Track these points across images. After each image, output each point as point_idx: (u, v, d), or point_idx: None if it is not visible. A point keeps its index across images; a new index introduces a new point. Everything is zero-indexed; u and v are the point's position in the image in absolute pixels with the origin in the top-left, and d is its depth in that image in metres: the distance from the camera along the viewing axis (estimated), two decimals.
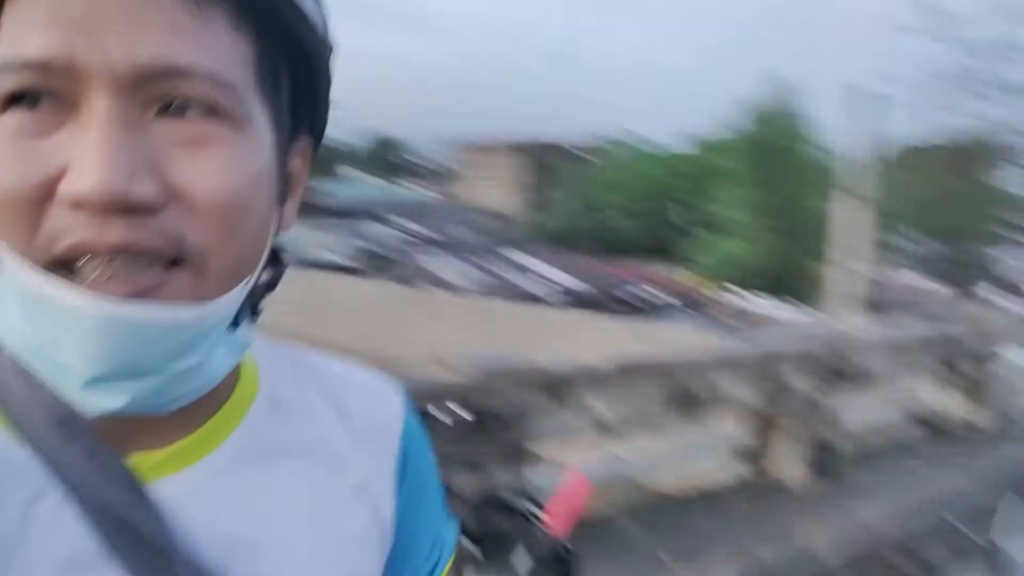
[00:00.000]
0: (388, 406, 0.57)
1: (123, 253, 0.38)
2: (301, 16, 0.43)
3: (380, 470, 0.53)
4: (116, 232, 0.37)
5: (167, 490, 0.44)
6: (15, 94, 0.39)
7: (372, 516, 0.51)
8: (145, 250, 0.38)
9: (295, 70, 0.46)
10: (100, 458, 0.43)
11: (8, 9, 0.39)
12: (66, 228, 0.38)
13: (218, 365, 0.43)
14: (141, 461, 0.44)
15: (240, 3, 0.41)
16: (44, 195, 0.38)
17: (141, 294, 0.38)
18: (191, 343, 0.40)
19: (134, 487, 0.43)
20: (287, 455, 0.49)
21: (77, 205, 0.37)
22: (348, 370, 0.58)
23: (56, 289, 0.37)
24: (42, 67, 0.38)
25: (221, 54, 0.40)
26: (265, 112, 0.43)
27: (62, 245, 0.38)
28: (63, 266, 0.38)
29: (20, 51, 0.38)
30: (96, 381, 0.38)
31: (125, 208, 0.37)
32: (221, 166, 0.40)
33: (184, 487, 0.44)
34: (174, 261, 0.39)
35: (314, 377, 0.55)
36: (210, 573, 0.43)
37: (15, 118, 0.39)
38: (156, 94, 0.39)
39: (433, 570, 0.57)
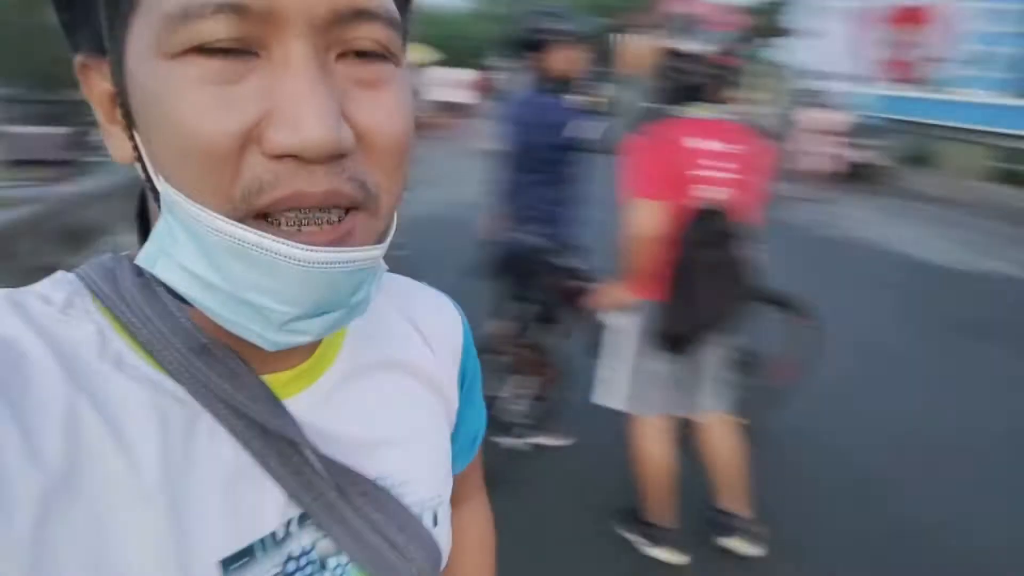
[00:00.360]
0: (450, 319, 0.63)
1: (327, 202, 0.39)
2: None
3: (449, 373, 0.61)
4: (323, 180, 0.39)
5: (297, 406, 0.48)
6: (208, 45, 0.37)
7: (445, 410, 0.60)
8: (344, 196, 0.40)
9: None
10: (241, 380, 0.45)
11: None
12: (274, 178, 0.38)
13: (373, 293, 0.45)
14: (271, 382, 0.47)
15: None
16: (243, 144, 0.38)
17: (339, 241, 0.41)
18: (365, 278, 0.43)
19: (275, 404, 0.46)
20: (383, 368, 0.55)
21: (288, 155, 0.38)
22: (412, 286, 0.63)
23: (268, 241, 0.38)
24: (239, 9, 0.37)
25: None
26: (403, 43, 0.45)
27: (272, 196, 0.38)
28: (262, 215, 0.39)
29: None
30: (293, 320, 0.41)
31: (332, 156, 0.38)
32: (395, 107, 0.42)
33: (310, 402, 0.49)
34: (355, 206, 0.41)
35: (389, 294, 0.59)
36: (347, 472, 0.49)
37: (201, 63, 0.37)
38: (343, 37, 0.40)
39: (475, 438, 0.69)
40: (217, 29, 0.37)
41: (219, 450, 0.44)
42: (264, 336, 0.41)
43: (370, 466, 0.51)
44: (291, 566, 0.47)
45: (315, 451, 0.47)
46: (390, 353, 0.56)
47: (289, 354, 0.48)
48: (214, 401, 0.44)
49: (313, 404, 0.49)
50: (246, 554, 0.44)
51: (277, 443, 0.46)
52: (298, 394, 0.49)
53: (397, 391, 0.55)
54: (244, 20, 0.37)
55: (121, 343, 0.44)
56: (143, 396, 0.42)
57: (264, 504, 0.45)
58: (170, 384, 0.44)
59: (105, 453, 0.40)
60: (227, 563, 0.43)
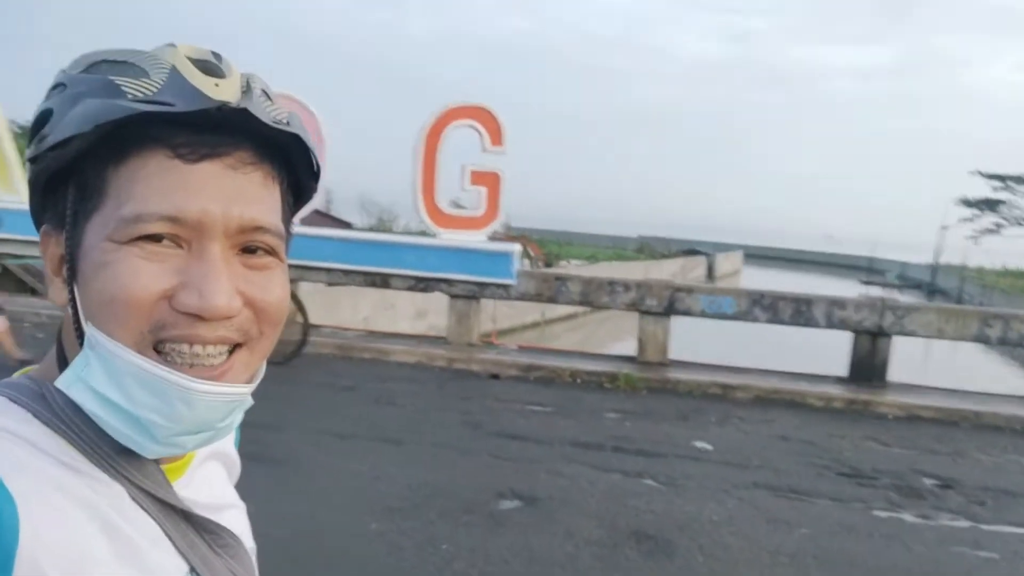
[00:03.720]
0: None
1: (217, 344, 0.58)
2: (316, 174, 0.64)
3: (233, 449, 0.81)
4: (216, 329, 0.57)
5: (179, 486, 0.65)
6: (149, 235, 0.55)
7: (233, 478, 0.80)
8: (230, 340, 0.58)
9: (299, 205, 0.67)
10: (148, 470, 0.62)
11: (136, 175, 0.55)
12: (175, 322, 0.56)
13: (238, 420, 0.63)
14: (165, 471, 0.64)
15: (290, 184, 0.63)
16: (158, 300, 0.55)
17: (217, 377, 0.58)
18: (234, 408, 0.60)
19: (168, 486, 0.63)
20: (212, 456, 0.74)
21: (195, 315, 0.56)
22: None
23: (166, 372, 0.55)
24: (175, 219, 0.55)
25: (278, 214, 0.61)
26: (285, 242, 0.63)
27: (172, 332, 0.56)
28: (155, 348, 0.56)
29: (158, 208, 0.55)
30: (175, 436, 0.57)
31: (225, 317, 0.57)
32: (275, 286, 0.61)
33: (186, 482, 0.67)
34: (237, 344, 0.59)
35: None
36: (211, 524, 0.66)
37: (142, 245, 0.55)
38: (243, 241, 0.58)
39: None
40: (157, 227, 0.55)
41: (139, 518, 0.59)
42: (145, 447, 0.58)
43: (221, 519, 0.68)
44: None
45: (192, 514, 0.64)
46: (216, 447, 0.74)
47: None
48: (130, 485, 0.59)
49: (187, 483, 0.67)
50: None
51: (171, 514, 0.62)
52: (179, 478, 0.66)
53: (221, 474, 0.76)
54: (178, 225, 0.55)
55: (60, 445, 0.58)
56: (81, 483, 0.57)
57: (171, 560, 0.61)
58: (99, 474, 0.58)
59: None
60: None
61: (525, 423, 6.49)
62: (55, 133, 0.55)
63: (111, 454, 0.58)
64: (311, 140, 0.62)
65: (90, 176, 0.56)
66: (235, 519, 0.72)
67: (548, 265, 20.68)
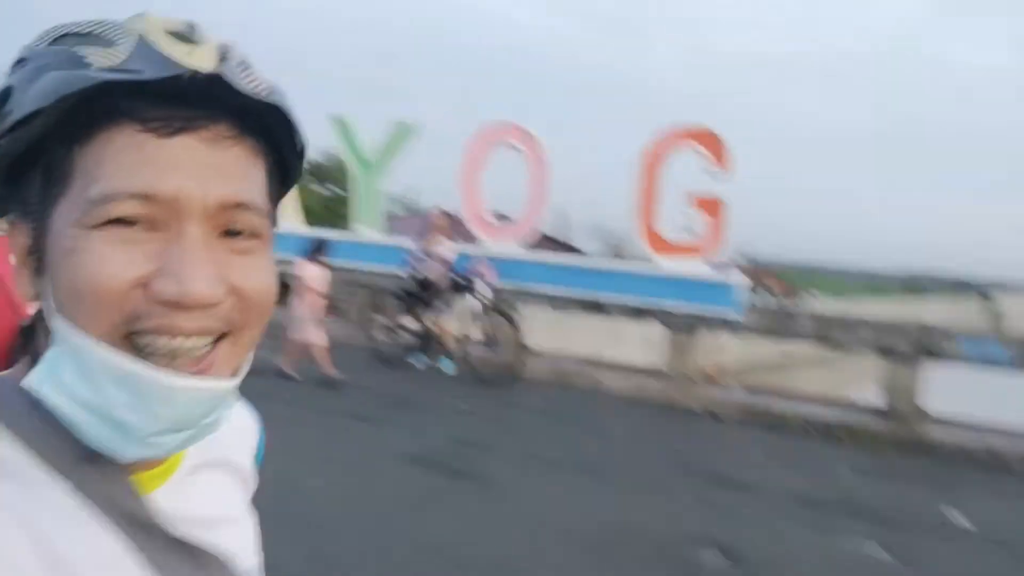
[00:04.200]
0: (250, 422, 0.77)
1: (199, 335, 0.52)
2: (301, 154, 0.59)
3: (250, 463, 0.74)
4: (197, 319, 0.51)
5: (158, 497, 0.58)
6: (120, 218, 0.50)
7: (248, 495, 0.74)
8: (212, 330, 0.52)
9: (285, 188, 0.62)
10: (115, 479, 0.55)
11: (103, 153, 0.50)
12: (150, 311, 0.50)
13: (223, 417, 0.56)
14: (140, 479, 0.57)
15: (275, 160, 0.58)
16: (132, 287, 0.50)
17: (200, 371, 0.52)
18: (218, 405, 0.54)
19: (139, 498, 0.56)
20: (213, 465, 0.67)
21: (173, 304, 0.50)
22: None
23: (141, 368, 0.50)
24: (148, 197, 0.50)
25: (262, 192, 0.56)
26: (271, 224, 0.57)
27: (148, 323, 0.50)
28: (130, 340, 0.50)
29: (128, 186, 0.50)
30: (153, 436, 0.51)
31: (207, 305, 0.51)
32: (261, 270, 0.55)
33: (167, 493, 0.60)
34: (222, 334, 0.53)
35: None
36: (193, 543, 0.59)
37: (111, 229, 0.50)
38: (225, 221, 0.53)
39: None
40: (128, 208, 0.50)
41: (100, 536, 0.53)
42: (122, 448, 0.52)
43: (213, 539, 0.61)
44: None
45: (168, 534, 0.57)
46: (217, 454, 0.67)
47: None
48: (91, 497, 0.53)
49: (169, 494, 0.59)
50: None
51: (143, 529, 0.56)
52: (159, 488, 0.59)
53: (224, 484, 0.68)
54: (151, 204, 0.50)
55: (8, 451, 0.52)
56: (23, 497, 0.51)
57: None
58: (50, 485, 0.52)
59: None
60: None
61: (741, 469, 5.96)
62: (16, 111, 0.51)
63: (72, 462, 0.53)
64: (294, 113, 0.56)
65: (56, 158, 0.52)
66: (232, 535, 0.65)
67: (791, 300, 19.29)
